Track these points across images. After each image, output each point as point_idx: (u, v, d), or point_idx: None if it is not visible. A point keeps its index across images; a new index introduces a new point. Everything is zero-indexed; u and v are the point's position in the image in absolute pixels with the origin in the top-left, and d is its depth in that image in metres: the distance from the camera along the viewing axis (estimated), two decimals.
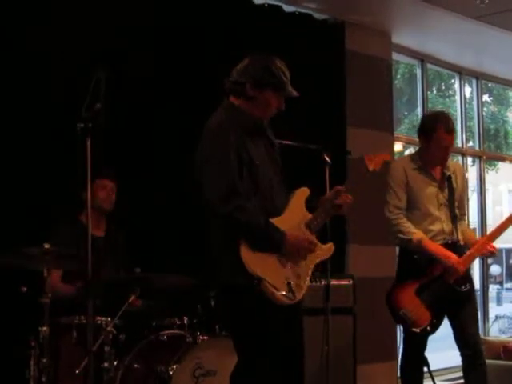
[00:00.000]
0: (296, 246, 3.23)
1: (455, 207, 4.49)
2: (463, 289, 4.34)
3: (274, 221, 3.22)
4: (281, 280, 3.17)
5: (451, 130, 4.42)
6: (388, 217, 4.46)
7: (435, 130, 4.37)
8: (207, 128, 3.27)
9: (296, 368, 3.34)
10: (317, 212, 3.40)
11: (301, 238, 3.28)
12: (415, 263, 4.37)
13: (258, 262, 3.12)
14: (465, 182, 4.72)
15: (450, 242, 4.42)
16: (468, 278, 4.41)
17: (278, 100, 3.36)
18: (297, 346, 3.37)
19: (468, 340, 4.38)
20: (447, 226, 4.45)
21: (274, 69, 3.32)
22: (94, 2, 4.76)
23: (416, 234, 4.36)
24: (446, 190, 4.49)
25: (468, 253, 4.39)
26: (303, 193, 3.44)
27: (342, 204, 3.45)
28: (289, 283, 3.20)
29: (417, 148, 4.73)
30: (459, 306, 4.36)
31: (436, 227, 4.43)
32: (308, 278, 3.33)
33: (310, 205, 3.43)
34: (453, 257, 4.31)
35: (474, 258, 4.50)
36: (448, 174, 4.52)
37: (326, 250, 3.46)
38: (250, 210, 3.14)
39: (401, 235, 4.41)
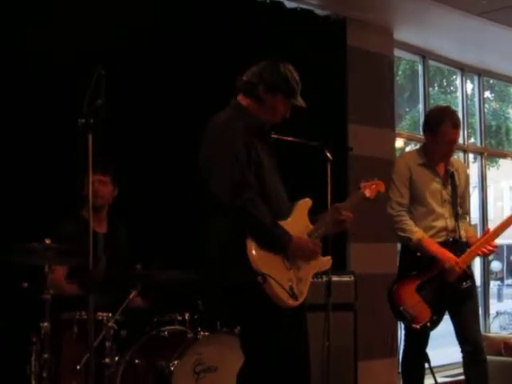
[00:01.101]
0: (301, 248, 3.26)
1: (458, 204, 4.49)
2: (464, 286, 4.35)
3: (280, 223, 3.23)
4: (284, 281, 3.17)
5: (457, 125, 4.42)
6: (390, 213, 4.46)
7: (441, 125, 4.36)
8: (214, 125, 3.26)
9: (297, 373, 3.34)
10: (318, 223, 3.43)
11: (306, 240, 3.32)
12: (417, 260, 4.37)
13: (263, 260, 3.12)
14: (467, 179, 4.71)
15: (451, 239, 4.42)
16: (469, 275, 4.41)
17: (285, 107, 3.40)
18: (299, 352, 3.36)
19: (469, 336, 4.38)
20: (450, 223, 4.44)
21: (288, 76, 3.36)
22: (94, 1, 4.75)
23: (416, 233, 4.36)
24: (449, 187, 4.49)
25: (468, 250, 4.38)
26: (306, 203, 3.46)
27: (345, 220, 3.48)
28: (291, 285, 3.21)
29: (418, 144, 4.73)
30: (460, 302, 4.36)
31: (439, 224, 4.43)
32: (308, 285, 3.35)
33: (311, 219, 3.46)
34: (452, 258, 4.30)
35: (474, 256, 4.49)
36: (451, 170, 4.51)
37: (324, 262, 3.50)
38: (260, 206, 3.14)
39: (401, 233, 4.41)
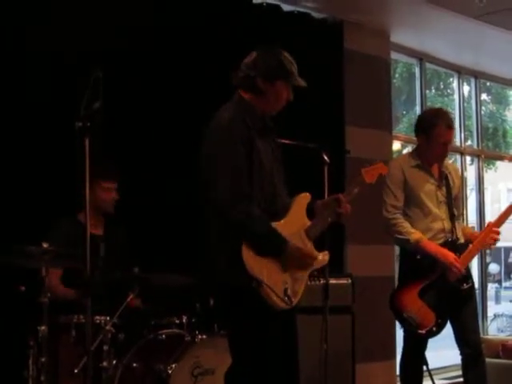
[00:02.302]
0: (296, 257, 3.24)
1: (452, 205, 4.49)
2: (465, 286, 4.34)
3: (276, 225, 3.22)
4: (279, 284, 3.17)
5: (451, 126, 4.44)
6: (385, 217, 4.45)
7: (435, 127, 4.38)
8: (217, 123, 3.23)
9: (291, 372, 3.33)
10: (315, 220, 3.40)
11: (303, 250, 3.29)
12: (417, 264, 4.36)
13: (258, 265, 3.11)
14: (462, 182, 4.71)
15: (450, 240, 4.41)
16: (468, 276, 4.41)
17: (287, 91, 3.37)
18: (291, 350, 3.36)
19: (469, 339, 4.39)
20: (447, 224, 4.44)
21: (283, 60, 3.35)
22: (94, 2, 4.76)
23: (414, 234, 4.36)
24: (444, 188, 4.49)
25: (468, 249, 4.38)
26: (305, 198, 3.43)
27: (343, 213, 3.45)
28: (286, 288, 3.20)
29: (414, 147, 4.73)
30: (461, 304, 4.36)
31: (437, 225, 4.43)
32: (304, 285, 3.33)
33: (307, 207, 3.43)
34: (451, 256, 4.30)
35: (474, 254, 4.49)
36: (445, 172, 4.52)
37: (321, 259, 3.45)
38: (257, 215, 3.13)
39: (398, 236, 4.41)
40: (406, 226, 4.39)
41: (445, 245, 4.38)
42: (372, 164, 3.67)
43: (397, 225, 4.41)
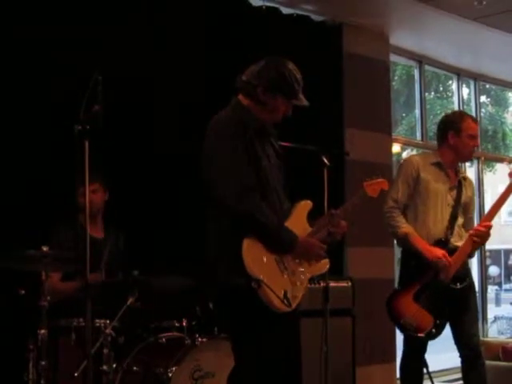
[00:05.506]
0: (307, 249, 3.26)
1: (458, 209, 4.48)
2: (458, 286, 4.33)
3: None
4: (278, 286, 3.16)
5: (476, 120, 4.62)
6: (383, 209, 4.48)
7: (465, 120, 4.50)
8: (215, 124, 3.23)
9: (293, 375, 3.33)
10: (316, 227, 3.41)
11: (312, 242, 3.31)
12: (414, 268, 4.36)
13: (258, 266, 3.11)
14: (473, 194, 4.71)
15: (442, 240, 4.40)
16: (464, 275, 4.39)
17: (286, 107, 3.36)
18: (293, 353, 3.36)
19: (468, 341, 4.38)
20: (446, 226, 4.43)
21: (287, 75, 3.30)
22: (94, 2, 4.76)
23: (404, 228, 4.38)
24: (455, 191, 4.50)
25: (459, 248, 4.36)
26: (306, 205, 3.44)
27: (338, 232, 3.47)
28: (285, 291, 3.20)
29: (415, 150, 4.75)
30: (459, 304, 4.35)
31: (438, 224, 4.42)
32: (303, 289, 3.33)
33: (310, 221, 3.44)
34: (439, 251, 4.29)
35: (466, 252, 4.37)
36: (460, 176, 4.54)
37: (321, 266, 3.45)
38: (265, 208, 3.13)
39: (390, 228, 4.46)
40: (398, 220, 4.42)
41: (436, 244, 4.37)
42: (373, 178, 3.68)
43: (391, 218, 4.44)
